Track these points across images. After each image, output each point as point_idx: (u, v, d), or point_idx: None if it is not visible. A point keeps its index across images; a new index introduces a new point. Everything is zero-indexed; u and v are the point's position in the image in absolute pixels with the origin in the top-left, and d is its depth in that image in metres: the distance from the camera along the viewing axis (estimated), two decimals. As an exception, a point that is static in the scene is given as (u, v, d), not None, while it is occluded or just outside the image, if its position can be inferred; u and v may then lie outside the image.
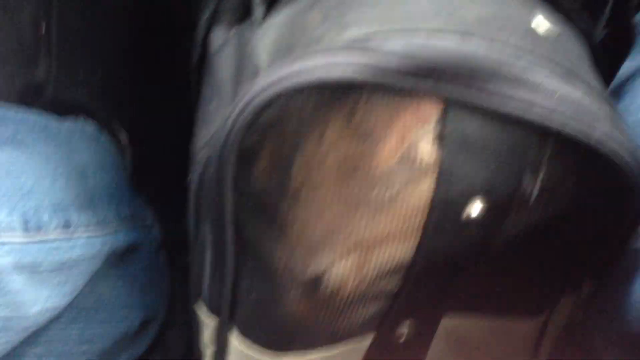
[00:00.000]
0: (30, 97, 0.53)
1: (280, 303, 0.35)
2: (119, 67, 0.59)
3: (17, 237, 0.39)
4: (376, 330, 0.37)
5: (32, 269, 0.39)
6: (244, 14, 0.37)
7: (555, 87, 0.29)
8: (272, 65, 0.30)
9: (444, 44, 0.28)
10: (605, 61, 0.36)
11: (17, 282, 0.39)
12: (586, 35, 0.35)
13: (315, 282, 0.34)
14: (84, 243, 0.44)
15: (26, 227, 0.40)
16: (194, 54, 0.40)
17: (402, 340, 0.36)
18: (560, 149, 0.30)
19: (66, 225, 0.43)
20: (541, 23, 0.32)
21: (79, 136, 0.51)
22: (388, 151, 0.30)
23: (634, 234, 0.33)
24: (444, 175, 0.30)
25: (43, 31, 0.53)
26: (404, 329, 0.37)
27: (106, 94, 0.58)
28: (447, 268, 0.33)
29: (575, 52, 0.33)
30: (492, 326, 0.37)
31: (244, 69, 0.33)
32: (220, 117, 0.32)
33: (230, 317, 0.37)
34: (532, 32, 0.31)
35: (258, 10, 0.35)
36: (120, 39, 0.59)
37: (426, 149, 0.29)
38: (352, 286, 0.33)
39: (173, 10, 0.56)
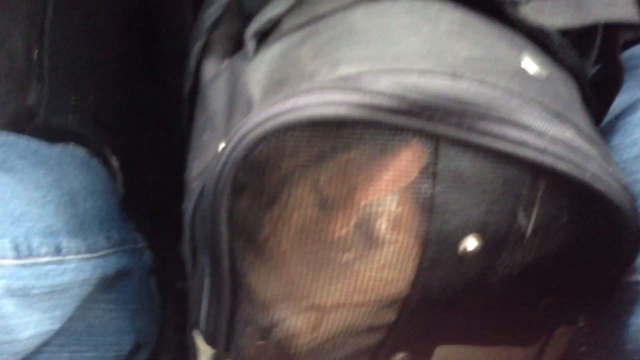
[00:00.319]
0: (22, 122, 0.53)
1: (274, 337, 0.34)
2: (111, 93, 0.60)
3: (8, 261, 0.39)
4: None
5: (23, 294, 0.39)
6: (235, 45, 0.38)
7: (545, 128, 0.29)
8: (264, 101, 0.30)
9: (434, 85, 0.28)
10: (595, 99, 0.37)
11: (9, 306, 0.38)
12: (575, 74, 0.35)
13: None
14: (74, 268, 0.43)
15: (17, 252, 0.40)
16: (186, 83, 0.40)
17: None
18: (553, 186, 0.30)
19: (57, 250, 0.43)
20: (530, 65, 0.32)
21: (70, 161, 0.51)
22: (382, 189, 0.30)
23: (629, 268, 0.33)
24: (438, 211, 0.30)
25: (35, 57, 0.53)
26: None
27: (97, 120, 0.58)
28: (443, 301, 0.33)
29: (565, 93, 0.33)
30: (486, 353, 0.37)
31: (236, 101, 0.33)
32: (212, 148, 0.32)
33: (226, 349, 0.37)
34: (522, 73, 0.31)
35: (250, 44, 0.35)
36: (112, 65, 0.59)
37: (420, 185, 0.30)
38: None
39: (165, 39, 0.56)
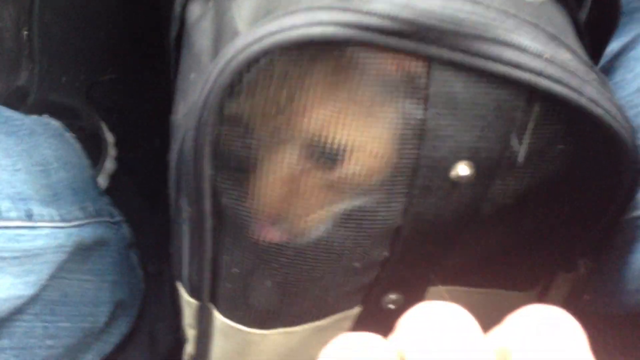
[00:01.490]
0: (14, 101, 0.53)
1: (262, 274, 0.33)
2: (103, 70, 0.59)
3: None
4: (363, 303, 0.36)
5: None
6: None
7: (541, 49, 0.28)
8: (251, 27, 0.29)
9: (426, 4, 0.27)
10: (589, 39, 0.36)
11: None
12: (570, 10, 0.35)
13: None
14: (47, 234, 0.43)
15: None
16: (172, 29, 0.39)
17: (389, 309, 0.35)
18: (548, 110, 0.29)
19: (27, 215, 0.42)
20: None
21: (42, 132, 0.50)
22: (372, 113, 0.29)
23: (630, 202, 0.32)
24: (429, 136, 0.29)
25: (25, 37, 0.53)
26: (391, 301, 0.36)
27: (91, 97, 0.58)
28: (436, 234, 0.32)
29: (559, 20, 0.32)
30: (482, 296, 0.36)
31: (222, 37, 0.32)
32: (199, 87, 0.31)
33: (211, 299, 0.36)
34: None
35: None
36: (103, 43, 0.59)
37: (411, 109, 0.29)
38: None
39: (159, 14, 0.55)
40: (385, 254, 0.33)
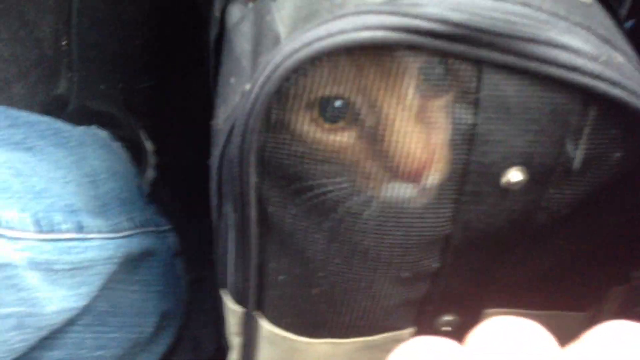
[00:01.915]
0: (54, 109, 0.54)
1: (309, 282, 0.33)
2: (141, 77, 0.60)
3: (30, 235, 0.38)
4: (416, 324, 0.35)
5: (47, 267, 0.39)
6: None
7: (597, 52, 0.27)
8: (295, 32, 0.29)
9: (476, 7, 0.26)
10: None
11: (33, 278, 0.38)
12: (614, 13, 0.33)
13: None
14: (97, 245, 0.43)
15: (39, 226, 0.39)
16: (212, 31, 0.39)
17: (444, 331, 0.35)
18: (605, 115, 0.28)
19: (79, 227, 0.43)
20: None
21: (91, 143, 0.51)
22: (421, 118, 0.28)
23: None
24: (479, 141, 0.28)
25: (64, 46, 0.54)
26: (446, 322, 0.35)
27: (129, 106, 0.59)
28: (489, 245, 0.31)
29: (609, 23, 0.31)
30: (540, 319, 0.35)
31: (262, 40, 0.31)
32: (240, 91, 0.31)
33: (257, 306, 0.35)
34: None
35: None
36: (140, 51, 0.59)
37: (461, 114, 0.28)
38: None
39: (191, 13, 0.55)
40: (436, 265, 0.32)
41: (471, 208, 0.30)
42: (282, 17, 0.31)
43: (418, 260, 0.32)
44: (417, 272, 0.33)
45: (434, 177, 0.29)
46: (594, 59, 0.27)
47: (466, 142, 0.28)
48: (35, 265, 0.38)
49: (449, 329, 0.35)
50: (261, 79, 0.28)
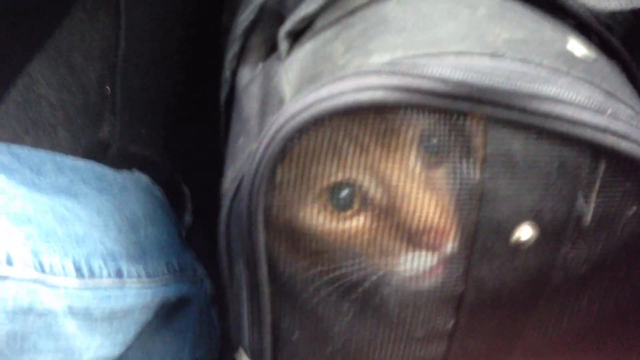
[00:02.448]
0: (97, 153, 0.55)
1: (323, 340, 0.32)
2: (180, 125, 0.61)
3: (71, 281, 0.38)
4: None
5: (85, 315, 0.39)
6: (270, 50, 0.37)
7: (602, 106, 0.27)
8: (298, 94, 0.29)
9: (477, 66, 0.27)
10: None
11: (71, 326, 0.38)
12: (626, 67, 0.33)
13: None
14: (135, 293, 0.43)
15: (79, 273, 0.39)
16: (223, 92, 0.39)
17: None
18: (616, 168, 0.27)
19: (118, 274, 0.42)
20: (576, 47, 0.30)
21: (132, 188, 0.51)
22: (426, 179, 0.28)
23: None
24: (487, 198, 0.28)
25: (108, 92, 0.55)
26: None
27: (168, 150, 0.60)
28: (505, 303, 0.31)
29: (614, 77, 0.31)
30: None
31: (268, 102, 0.32)
32: (247, 151, 0.31)
33: None
34: (567, 54, 0.29)
35: (282, 44, 0.34)
36: (181, 97, 0.60)
37: (468, 171, 0.27)
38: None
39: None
40: (451, 324, 0.32)
41: (483, 266, 0.29)
42: (288, 79, 0.31)
43: (431, 319, 0.31)
44: (431, 332, 0.32)
45: (453, 240, 0.29)
46: (599, 112, 0.26)
47: (474, 199, 0.28)
48: (74, 312, 0.38)
49: None
50: (265, 141, 0.28)
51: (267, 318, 0.32)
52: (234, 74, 0.38)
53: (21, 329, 0.33)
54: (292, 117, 0.27)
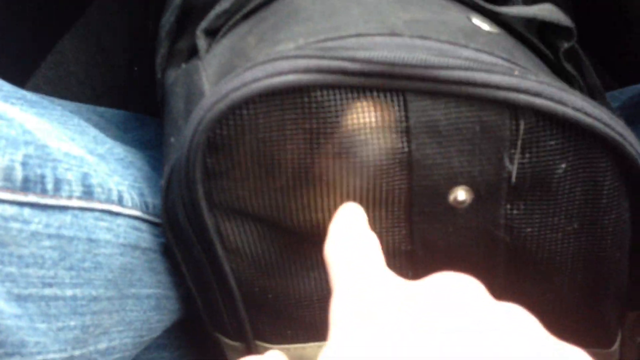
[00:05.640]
0: None
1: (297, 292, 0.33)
2: None
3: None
4: None
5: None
6: (193, 52, 0.37)
7: (510, 67, 0.27)
8: (214, 87, 0.29)
9: (386, 46, 0.27)
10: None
11: (167, 263, 0.38)
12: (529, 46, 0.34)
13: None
14: None
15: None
16: (158, 94, 0.39)
17: None
18: (535, 128, 0.27)
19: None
20: (481, 24, 0.31)
21: None
22: (352, 152, 0.28)
23: None
24: (417, 166, 0.28)
25: (135, 71, 0.56)
26: None
27: None
28: (461, 267, 0.30)
29: (517, 48, 0.31)
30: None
31: (191, 98, 0.32)
32: (178, 150, 0.31)
33: (255, 336, 0.35)
34: (467, 30, 0.30)
35: (200, 42, 0.34)
36: None
37: (395, 144, 0.28)
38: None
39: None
40: (409, 275, 0.32)
41: (425, 227, 0.30)
42: (208, 75, 0.32)
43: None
44: None
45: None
46: (507, 74, 0.27)
47: (405, 168, 0.28)
48: (166, 250, 0.38)
49: None
50: (189, 134, 0.28)
51: (237, 296, 0.33)
52: (163, 74, 0.38)
53: (130, 262, 0.34)
54: (209, 108, 0.27)
